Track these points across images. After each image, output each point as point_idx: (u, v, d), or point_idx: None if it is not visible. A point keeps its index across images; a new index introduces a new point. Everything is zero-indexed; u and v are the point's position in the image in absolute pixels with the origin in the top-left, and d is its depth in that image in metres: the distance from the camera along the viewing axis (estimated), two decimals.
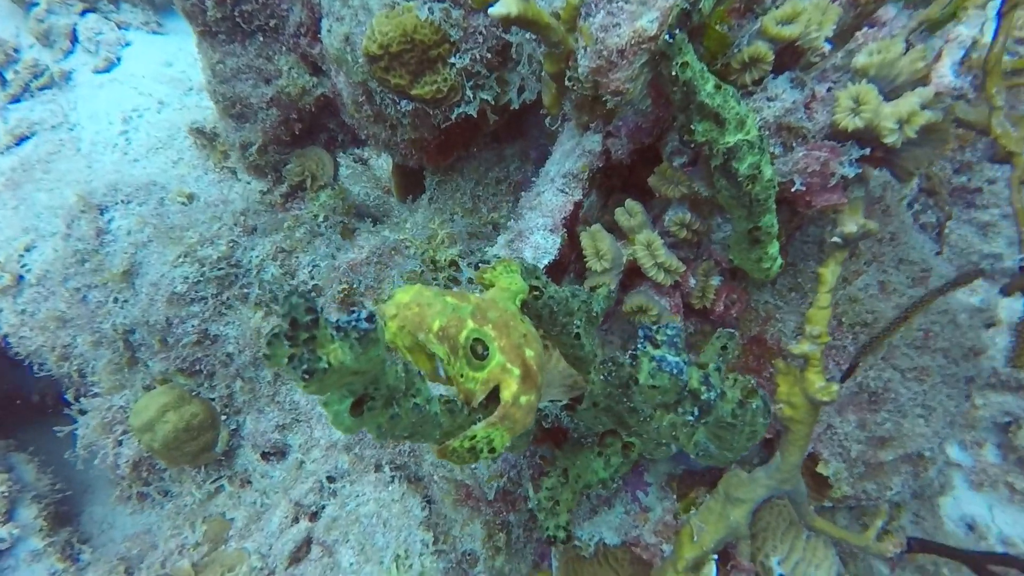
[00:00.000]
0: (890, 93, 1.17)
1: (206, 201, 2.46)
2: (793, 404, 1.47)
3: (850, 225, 1.29)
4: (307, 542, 1.93)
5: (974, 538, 3.24)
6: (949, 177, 3.09)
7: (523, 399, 0.89)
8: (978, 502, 3.38)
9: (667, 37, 1.10)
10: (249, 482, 2.43)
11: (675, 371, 0.84)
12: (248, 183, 2.71)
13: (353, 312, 0.68)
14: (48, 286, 2.95)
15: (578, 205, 1.51)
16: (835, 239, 1.32)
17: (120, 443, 2.79)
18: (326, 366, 0.63)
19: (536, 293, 1.13)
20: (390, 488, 1.86)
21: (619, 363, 1.06)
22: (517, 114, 1.86)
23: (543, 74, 1.53)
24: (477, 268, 1.09)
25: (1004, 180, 3.06)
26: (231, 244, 2.18)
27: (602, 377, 1.08)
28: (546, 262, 1.45)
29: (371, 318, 0.68)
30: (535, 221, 1.44)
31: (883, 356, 1.64)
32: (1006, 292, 1.56)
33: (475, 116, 1.72)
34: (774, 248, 1.27)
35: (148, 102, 4.09)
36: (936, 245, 2.52)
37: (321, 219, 2.11)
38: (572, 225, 1.57)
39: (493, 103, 1.71)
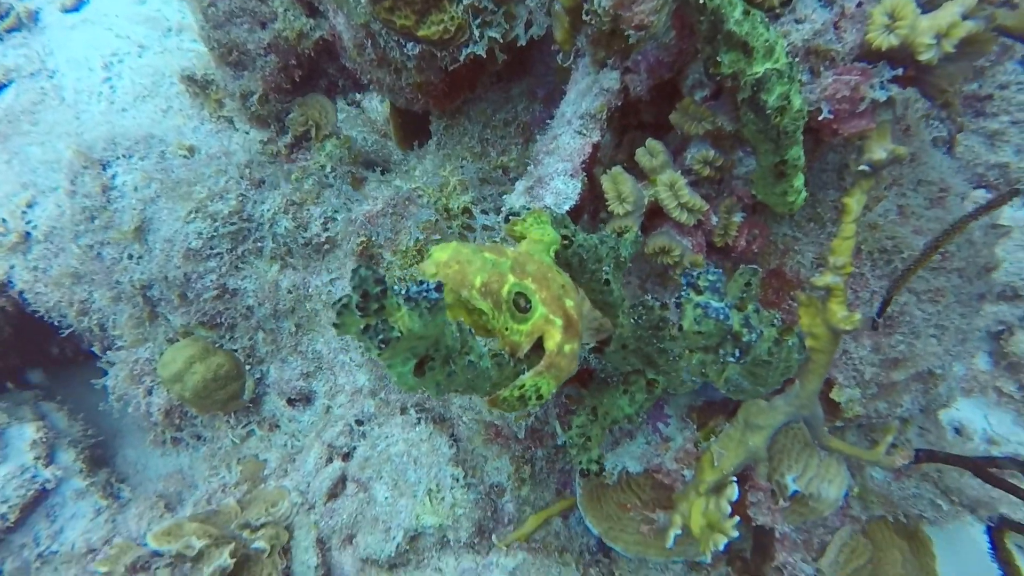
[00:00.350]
0: (927, 3, 1.11)
1: (208, 154, 2.42)
2: (815, 335, 1.50)
3: (878, 152, 1.27)
4: (342, 480, 2.03)
5: (961, 440, 3.40)
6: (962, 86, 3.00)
7: (567, 347, 0.93)
8: (967, 407, 3.51)
9: None
10: (277, 426, 2.52)
11: (720, 316, 0.87)
12: (247, 132, 2.65)
13: (422, 284, 0.70)
14: (57, 243, 2.94)
15: (596, 147, 1.49)
16: (862, 167, 1.30)
17: (150, 392, 2.88)
18: (398, 335, 0.66)
19: (566, 242, 1.14)
20: (417, 429, 1.94)
21: (649, 307, 1.09)
22: (523, 51, 1.79)
23: (554, 7, 1.47)
24: (507, 221, 1.09)
25: (1017, 85, 2.98)
26: (240, 198, 2.16)
27: (633, 320, 1.11)
28: (567, 208, 1.44)
29: (439, 287, 0.70)
30: (554, 166, 1.42)
31: None
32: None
33: (483, 56, 1.66)
34: (799, 181, 1.26)
35: (127, 46, 3.91)
36: (951, 160, 2.49)
37: (328, 170, 2.08)
38: (590, 167, 1.55)
39: (501, 40, 1.66)
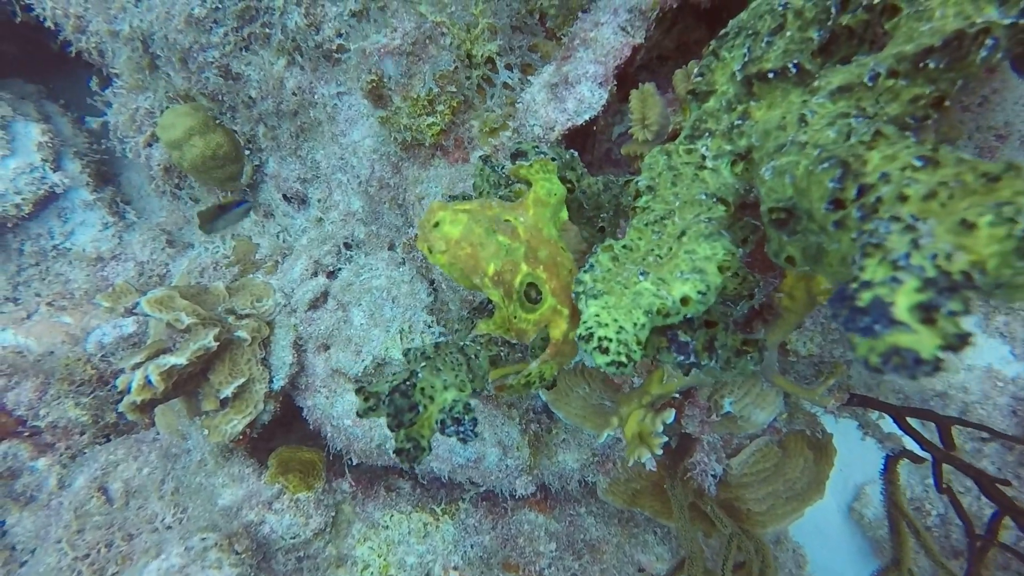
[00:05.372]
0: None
1: None
2: (793, 297, 1.49)
3: None
4: (324, 295, 2.15)
5: None
6: None
7: (572, 335, 0.95)
8: None
9: None
10: (272, 215, 2.57)
11: (687, 358, 0.88)
12: None
13: (462, 427, 0.75)
14: None
15: (637, 50, 1.31)
16: None
17: (151, 145, 2.86)
18: (425, 447, 0.76)
19: (568, 186, 1.08)
20: (400, 270, 2.00)
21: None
22: None
23: None
24: (514, 161, 1.02)
25: None
26: None
27: None
28: (587, 117, 1.32)
29: (475, 424, 0.79)
30: (585, 67, 1.27)
31: None
32: None
33: None
34: None
35: None
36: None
37: None
38: (626, 69, 1.38)
39: None
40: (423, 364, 0.86)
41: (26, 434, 2.86)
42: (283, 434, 2.50)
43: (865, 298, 0.49)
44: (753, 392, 1.93)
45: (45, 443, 2.89)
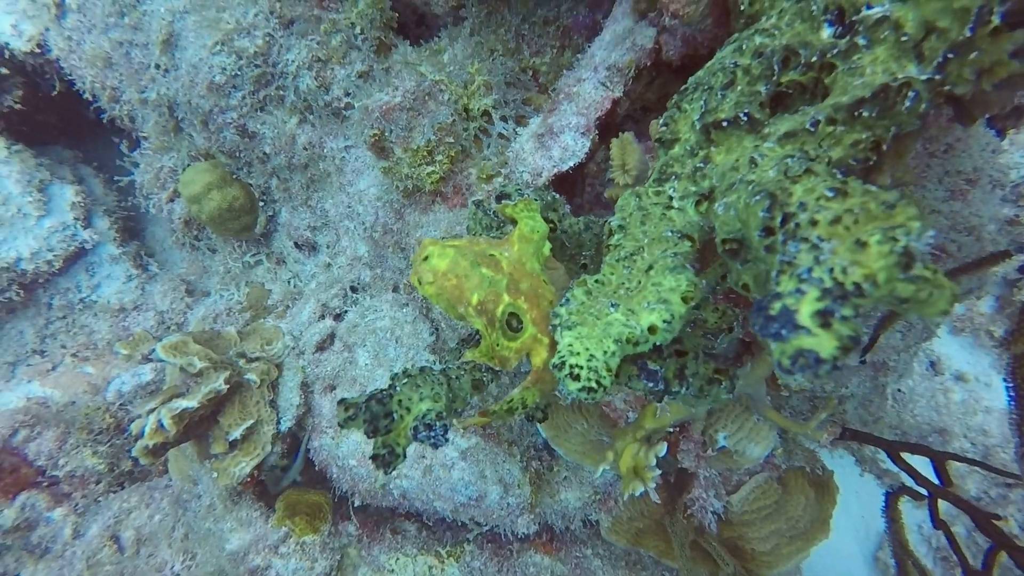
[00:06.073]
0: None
1: None
2: None
3: None
4: (331, 336, 2.24)
5: (930, 374, 3.55)
6: None
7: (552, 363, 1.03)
8: (952, 344, 3.60)
9: None
10: (283, 262, 2.70)
11: (651, 384, 0.94)
12: None
13: (432, 432, 0.82)
14: (88, 17, 2.89)
15: (616, 102, 1.43)
16: None
17: (172, 201, 3.04)
18: (400, 453, 0.85)
19: (551, 226, 1.17)
20: (404, 311, 2.09)
21: None
22: None
23: None
24: (499, 201, 1.12)
25: None
26: (267, 39, 2.08)
27: None
28: (572, 164, 1.43)
29: (446, 431, 0.88)
30: (568, 119, 1.38)
31: None
32: None
33: None
34: None
35: None
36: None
37: (358, 31, 1.97)
38: (608, 119, 1.49)
39: None
40: (404, 381, 0.94)
41: (44, 484, 2.93)
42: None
43: (776, 307, 0.56)
44: (747, 427, 1.96)
45: (62, 493, 2.95)
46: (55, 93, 3.24)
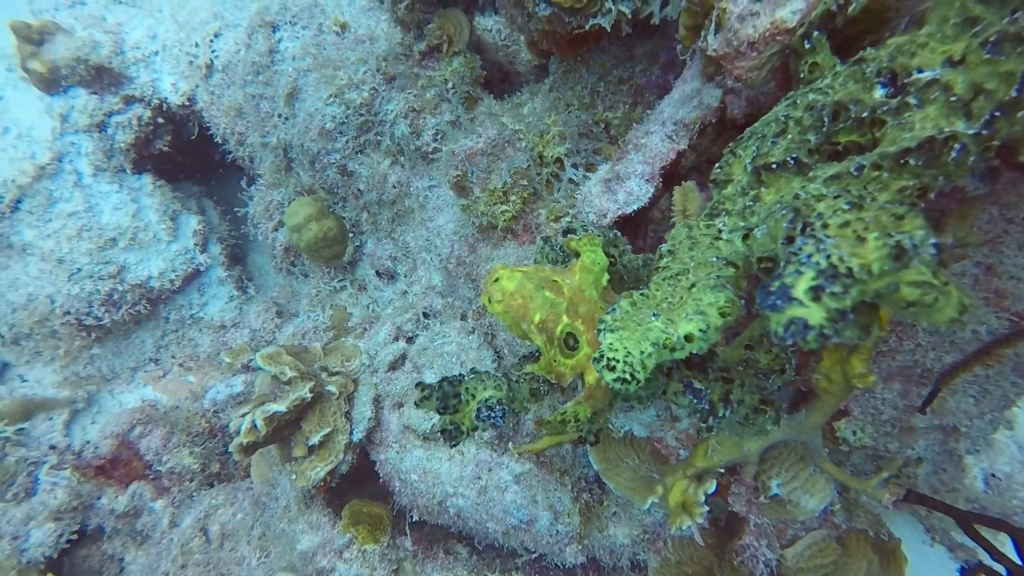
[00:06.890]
0: None
1: (356, 35, 2.61)
2: (831, 379, 1.58)
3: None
4: (403, 357, 2.43)
5: (993, 493, 3.27)
6: None
7: (603, 381, 1.15)
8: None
9: (805, 42, 1.07)
10: (364, 288, 2.96)
11: (697, 402, 1.04)
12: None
13: (493, 413, 0.95)
14: (230, 76, 3.35)
15: (681, 155, 1.56)
16: None
17: (277, 230, 3.40)
18: (464, 431, 0.96)
19: (611, 260, 1.31)
20: (470, 337, 2.25)
21: None
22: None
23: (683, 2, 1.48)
24: (566, 235, 1.27)
25: None
26: (372, 92, 2.39)
27: None
28: (635, 207, 1.56)
29: (504, 415, 0.97)
30: (634, 167, 1.53)
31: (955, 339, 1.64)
32: None
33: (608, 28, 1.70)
34: None
35: None
36: None
37: (450, 86, 2.23)
38: (673, 169, 1.63)
39: (630, 16, 1.67)
40: (472, 376, 1.08)
41: (151, 477, 3.28)
42: (356, 489, 2.71)
43: (775, 285, 0.67)
44: (802, 476, 1.95)
45: (163, 487, 3.29)
46: (193, 138, 3.75)
